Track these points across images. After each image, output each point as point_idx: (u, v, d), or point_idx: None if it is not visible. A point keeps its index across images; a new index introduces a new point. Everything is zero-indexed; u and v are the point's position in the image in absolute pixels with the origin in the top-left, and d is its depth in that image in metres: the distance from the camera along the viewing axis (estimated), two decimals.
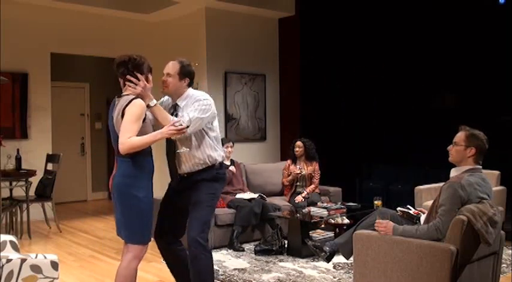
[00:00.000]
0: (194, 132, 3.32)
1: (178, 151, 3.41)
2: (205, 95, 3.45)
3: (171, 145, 3.45)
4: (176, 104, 3.43)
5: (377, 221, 3.27)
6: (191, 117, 3.25)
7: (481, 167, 3.15)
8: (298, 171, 6.00)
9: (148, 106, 3.16)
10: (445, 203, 3.00)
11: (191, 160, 3.39)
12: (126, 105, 2.99)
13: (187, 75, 3.40)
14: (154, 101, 3.20)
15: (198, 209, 3.36)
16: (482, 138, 3.13)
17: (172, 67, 3.41)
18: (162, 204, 3.62)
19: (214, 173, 3.42)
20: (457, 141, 3.15)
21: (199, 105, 3.31)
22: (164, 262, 3.73)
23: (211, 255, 3.43)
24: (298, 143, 6.14)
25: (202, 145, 3.38)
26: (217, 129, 3.49)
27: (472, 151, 3.10)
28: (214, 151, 3.42)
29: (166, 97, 3.56)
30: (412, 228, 3.11)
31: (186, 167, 3.41)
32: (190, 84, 3.45)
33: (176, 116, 3.35)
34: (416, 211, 3.59)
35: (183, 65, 3.41)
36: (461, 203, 2.97)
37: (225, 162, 3.87)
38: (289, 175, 6.15)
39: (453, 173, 3.18)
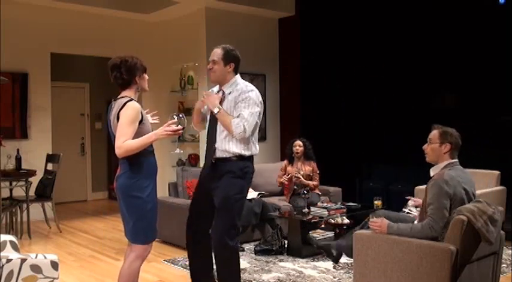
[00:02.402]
0: (252, 128, 3.39)
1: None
2: (253, 87, 3.48)
3: (212, 128, 3.49)
4: (222, 91, 3.48)
5: (371, 219, 3.30)
6: (246, 116, 3.35)
7: (457, 160, 3.24)
8: (298, 175, 5.80)
9: (214, 113, 3.34)
10: (433, 201, 3.05)
11: (225, 145, 3.42)
12: (121, 108, 2.99)
13: (232, 60, 3.46)
14: (220, 108, 3.34)
15: (225, 211, 3.39)
16: (455, 135, 3.24)
17: (216, 53, 3.46)
18: (193, 195, 3.71)
19: (241, 166, 3.43)
20: (431, 139, 3.27)
21: (250, 101, 3.39)
22: (187, 259, 3.75)
23: (238, 255, 3.46)
24: (299, 142, 6.01)
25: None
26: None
27: (448, 147, 3.20)
28: (250, 141, 3.47)
29: (216, 87, 3.59)
30: (407, 226, 3.14)
31: (219, 151, 3.44)
32: (236, 70, 3.50)
33: (221, 102, 3.43)
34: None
35: (227, 50, 3.46)
36: (449, 198, 3.03)
37: None
38: (286, 175, 6.09)
39: (433, 171, 3.27)
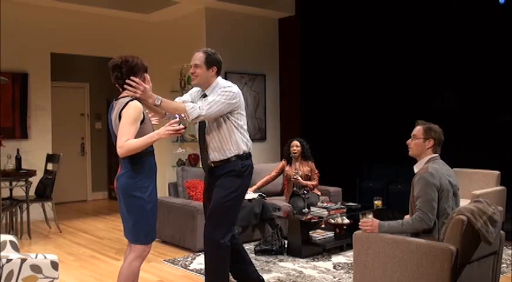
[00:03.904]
0: (215, 114, 3.34)
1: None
2: (232, 84, 3.49)
3: (201, 133, 3.50)
4: (205, 95, 3.47)
5: (362, 220, 3.31)
6: (210, 100, 3.30)
7: (438, 155, 3.31)
8: (296, 177, 5.75)
9: (156, 105, 3.19)
10: (421, 194, 3.09)
11: (218, 147, 3.45)
12: (123, 107, 2.98)
13: (214, 63, 3.44)
14: (160, 98, 3.20)
15: (216, 205, 3.42)
16: (438, 131, 3.30)
17: (198, 57, 3.44)
18: (203, 200, 3.73)
19: (239, 166, 3.45)
20: (416, 134, 3.32)
21: (222, 91, 3.36)
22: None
23: (227, 254, 3.46)
24: (296, 142, 5.96)
25: (229, 133, 3.44)
26: (244, 119, 3.53)
27: (431, 143, 3.27)
28: (241, 140, 3.47)
29: (195, 88, 3.60)
30: (398, 223, 3.17)
31: (214, 154, 3.47)
32: (218, 73, 3.49)
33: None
34: None
35: (209, 53, 3.45)
36: (436, 189, 3.08)
37: None
38: (284, 176, 6.07)
39: (417, 167, 3.31)
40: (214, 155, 3.47)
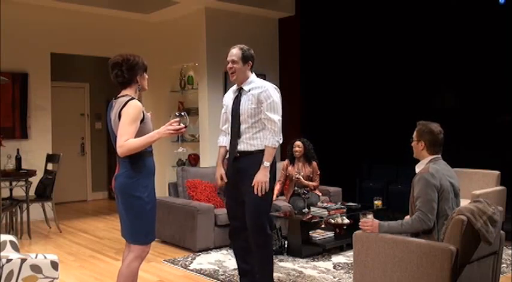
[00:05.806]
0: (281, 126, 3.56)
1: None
2: (268, 83, 3.63)
3: (235, 123, 3.61)
4: (241, 88, 3.61)
5: (362, 220, 3.31)
6: (276, 119, 3.50)
7: (439, 156, 3.30)
8: (298, 176, 5.77)
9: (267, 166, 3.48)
10: (421, 195, 3.09)
11: (251, 140, 3.57)
12: (122, 106, 2.96)
13: (249, 58, 3.60)
14: (267, 162, 3.48)
15: (260, 198, 3.51)
16: (432, 131, 3.27)
17: (235, 53, 3.58)
18: (225, 189, 3.81)
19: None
20: (413, 136, 3.35)
21: (275, 104, 3.53)
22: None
23: (272, 239, 3.67)
24: (298, 143, 5.96)
25: (264, 128, 3.56)
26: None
27: (422, 144, 3.28)
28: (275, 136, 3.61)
29: (234, 86, 3.72)
30: (397, 223, 3.17)
31: (243, 145, 3.59)
32: (252, 68, 3.64)
33: (240, 98, 3.58)
34: None
35: (244, 50, 3.60)
36: (436, 190, 3.08)
37: None
38: (287, 176, 6.08)
39: (418, 168, 3.31)
40: (245, 145, 3.57)
